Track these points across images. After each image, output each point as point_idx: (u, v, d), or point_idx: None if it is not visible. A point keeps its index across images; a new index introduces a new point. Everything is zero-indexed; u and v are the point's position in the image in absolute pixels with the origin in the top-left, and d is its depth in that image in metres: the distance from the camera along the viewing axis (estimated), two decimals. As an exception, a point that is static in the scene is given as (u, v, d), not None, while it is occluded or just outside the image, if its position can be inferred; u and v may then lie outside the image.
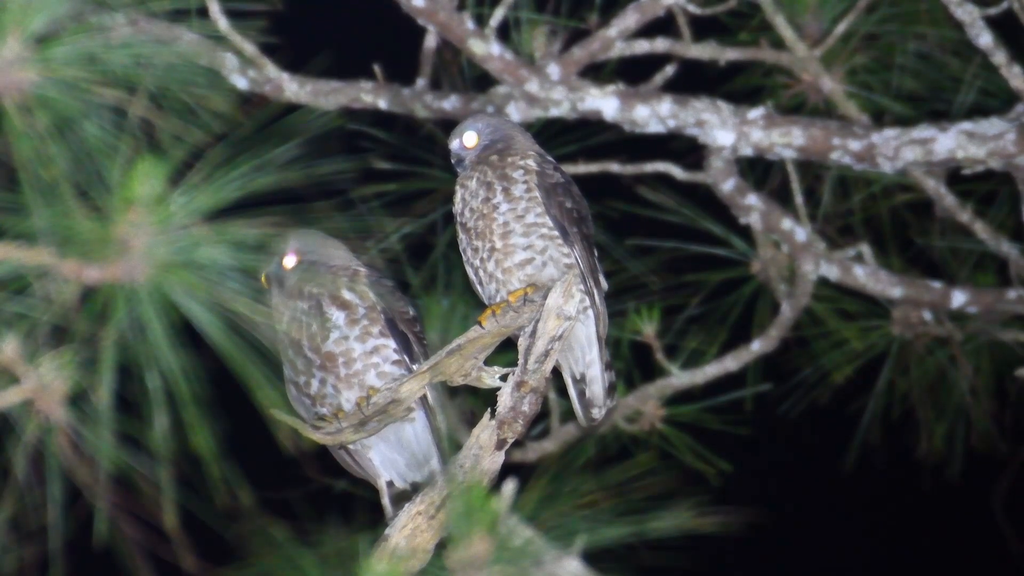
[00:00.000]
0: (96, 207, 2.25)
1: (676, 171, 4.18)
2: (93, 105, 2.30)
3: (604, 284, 2.97)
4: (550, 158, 3.01)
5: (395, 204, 4.22)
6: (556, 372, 2.98)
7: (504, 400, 2.85)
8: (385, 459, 2.99)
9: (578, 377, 2.99)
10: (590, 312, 2.92)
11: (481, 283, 2.93)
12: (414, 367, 2.88)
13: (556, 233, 2.89)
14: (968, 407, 4.43)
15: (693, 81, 4.16)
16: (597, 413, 3.02)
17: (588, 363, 2.98)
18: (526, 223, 2.90)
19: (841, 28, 4.12)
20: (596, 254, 2.98)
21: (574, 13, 4.25)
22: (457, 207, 2.95)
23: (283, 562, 2.57)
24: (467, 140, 3.01)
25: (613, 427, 4.29)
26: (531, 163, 2.92)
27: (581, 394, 3.00)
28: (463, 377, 2.91)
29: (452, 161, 3.02)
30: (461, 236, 2.95)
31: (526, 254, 2.90)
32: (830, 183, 4.40)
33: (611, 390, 3.01)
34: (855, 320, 4.39)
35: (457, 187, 2.98)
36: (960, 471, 4.45)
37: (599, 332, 2.93)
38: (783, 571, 4.68)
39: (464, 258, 2.96)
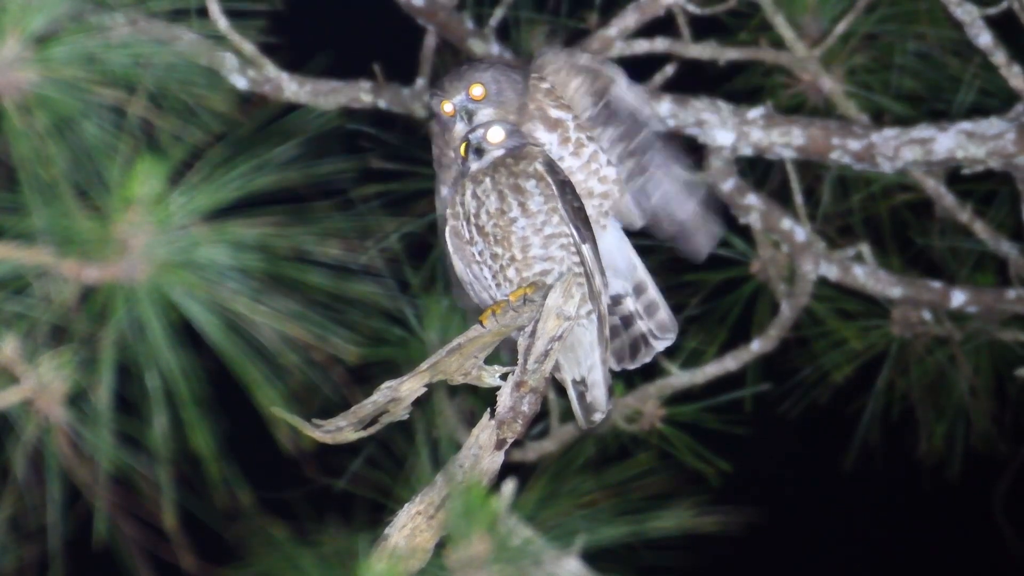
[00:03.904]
0: (96, 207, 2.25)
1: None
2: (93, 105, 2.30)
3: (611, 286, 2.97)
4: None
5: (395, 204, 4.22)
6: (556, 370, 2.98)
7: (503, 400, 2.85)
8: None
9: (578, 379, 2.99)
10: (594, 317, 2.91)
11: (498, 284, 2.92)
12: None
13: (571, 240, 2.87)
14: (968, 407, 4.43)
15: (693, 81, 4.16)
16: (598, 417, 3.01)
17: (590, 367, 2.97)
18: (544, 235, 2.89)
19: (841, 28, 4.12)
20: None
21: (574, 13, 4.25)
22: (470, 207, 2.92)
23: (283, 562, 2.57)
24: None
25: (613, 427, 4.29)
26: (540, 167, 2.90)
27: (581, 396, 2.99)
28: (463, 376, 2.91)
29: (466, 152, 2.99)
30: (477, 238, 2.92)
31: (545, 265, 2.88)
32: (830, 183, 4.40)
33: (610, 392, 3.00)
34: (855, 320, 4.39)
35: (467, 183, 2.95)
36: (960, 471, 4.45)
37: (603, 335, 2.92)
38: (783, 571, 4.68)
39: (479, 260, 2.94)
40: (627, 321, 3.04)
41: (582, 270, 2.88)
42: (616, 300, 3.03)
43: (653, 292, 3.04)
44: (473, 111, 2.96)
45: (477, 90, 2.96)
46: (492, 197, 2.89)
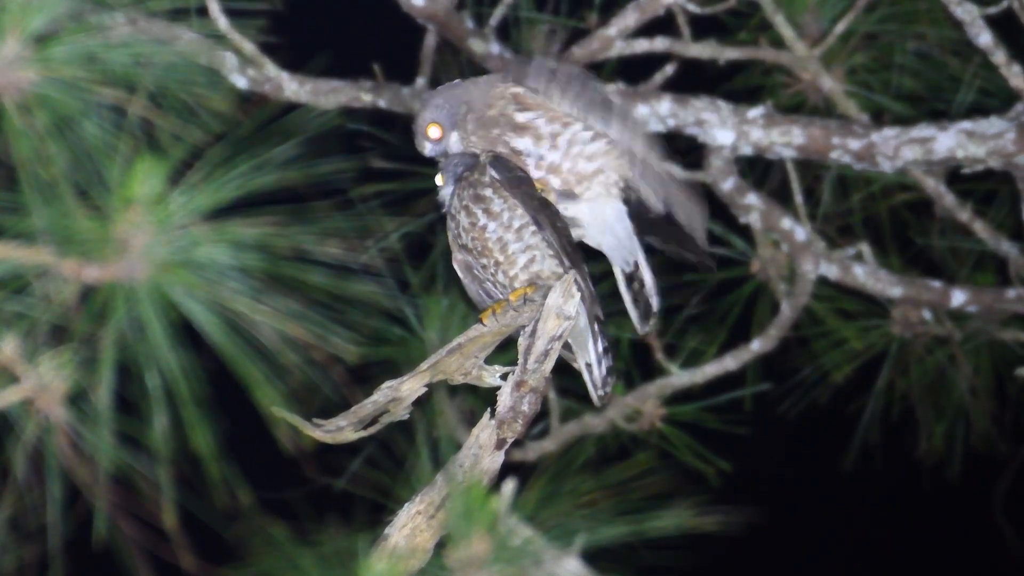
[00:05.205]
0: (96, 206, 2.25)
1: (676, 170, 4.17)
2: (93, 105, 2.30)
3: (586, 268, 2.98)
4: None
5: (395, 204, 4.22)
6: (557, 370, 2.98)
7: (504, 400, 2.86)
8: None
9: (589, 363, 3.02)
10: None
11: (502, 293, 2.94)
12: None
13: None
14: (968, 407, 4.43)
15: (693, 80, 4.16)
16: (602, 393, 3.04)
17: (590, 348, 3.00)
18: (515, 229, 2.92)
19: (840, 27, 4.12)
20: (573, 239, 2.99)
21: (574, 12, 4.25)
22: (454, 231, 2.97)
23: (283, 562, 2.57)
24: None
25: (613, 427, 4.29)
26: (490, 170, 2.93)
27: (591, 376, 3.03)
28: (463, 376, 2.92)
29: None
30: (468, 258, 2.97)
31: (528, 255, 2.91)
32: (830, 182, 4.40)
33: (610, 372, 3.03)
34: (855, 320, 4.39)
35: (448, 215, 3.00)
36: (960, 471, 4.45)
37: (589, 312, 2.94)
38: (783, 571, 4.68)
39: (480, 277, 2.98)
40: (641, 283, 3.09)
41: (552, 252, 2.91)
42: (636, 265, 3.08)
43: (644, 259, 3.08)
44: (445, 149, 3.01)
45: (433, 131, 3.02)
46: (462, 215, 2.93)
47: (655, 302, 3.09)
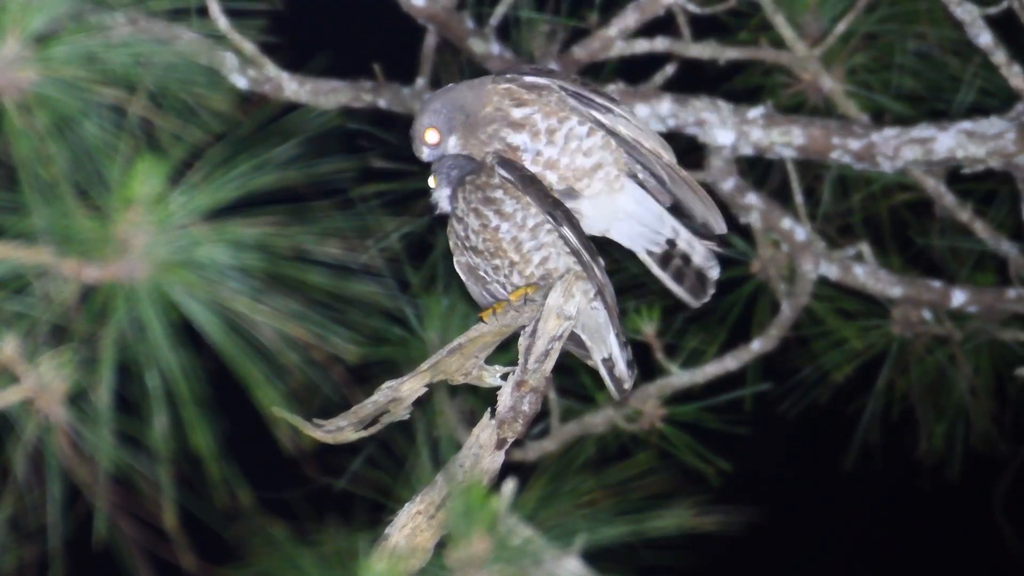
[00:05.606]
0: (96, 206, 2.25)
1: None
2: (93, 105, 2.30)
3: (603, 262, 2.98)
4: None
5: (395, 203, 4.22)
6: (557, 370, 2.98)
7: (504, 400, 2.86)
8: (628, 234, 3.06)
9: (606, 357, 3.01)
10: (597, 300, 2.94)
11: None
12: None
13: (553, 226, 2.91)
14: (968, 407, 4.43)
15: (693, 80, 4.16)
16: (627, 386, 3.04)
17: (611, 343, 2.99)
18: (529, 228, 2.92)
19: (841, 27, 4.12)
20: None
21: (574, 12, 4.25)
22: (460, 234, 2.95)
23: (283, 562, 2.57)
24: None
25: (613, 427, 4.29)
26: (499, 171, 2.92)
27: (610, 371, 3.02)
28: (464, 376, 2.92)
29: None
30: (476, 260, 2.96)
31: (542, 253, 2.91)
32: (830, 182, 4.40)
33: (630, 365, 3.03)
34: (855, 319, 4.39)
35: (451, 218, 2.99)
36: (960, 471, 4.45)
37: (608, 305, 2.94)
38: (783, 571, 4.68)
39: (486, 279, 2.97)
40: (686, 258, 3.07)
41: (568, 250, 2.91)
42: (672, 243, 3.07)
43: (687, 233, 3.07)
44: (443, 153, 3.00)
45: (431, 136, 3.00)
46: (471, 217, 2.92)
47: (714, 271, 3.10)
